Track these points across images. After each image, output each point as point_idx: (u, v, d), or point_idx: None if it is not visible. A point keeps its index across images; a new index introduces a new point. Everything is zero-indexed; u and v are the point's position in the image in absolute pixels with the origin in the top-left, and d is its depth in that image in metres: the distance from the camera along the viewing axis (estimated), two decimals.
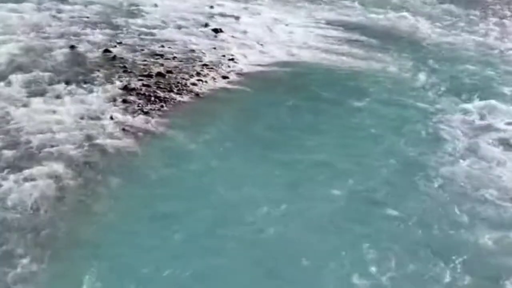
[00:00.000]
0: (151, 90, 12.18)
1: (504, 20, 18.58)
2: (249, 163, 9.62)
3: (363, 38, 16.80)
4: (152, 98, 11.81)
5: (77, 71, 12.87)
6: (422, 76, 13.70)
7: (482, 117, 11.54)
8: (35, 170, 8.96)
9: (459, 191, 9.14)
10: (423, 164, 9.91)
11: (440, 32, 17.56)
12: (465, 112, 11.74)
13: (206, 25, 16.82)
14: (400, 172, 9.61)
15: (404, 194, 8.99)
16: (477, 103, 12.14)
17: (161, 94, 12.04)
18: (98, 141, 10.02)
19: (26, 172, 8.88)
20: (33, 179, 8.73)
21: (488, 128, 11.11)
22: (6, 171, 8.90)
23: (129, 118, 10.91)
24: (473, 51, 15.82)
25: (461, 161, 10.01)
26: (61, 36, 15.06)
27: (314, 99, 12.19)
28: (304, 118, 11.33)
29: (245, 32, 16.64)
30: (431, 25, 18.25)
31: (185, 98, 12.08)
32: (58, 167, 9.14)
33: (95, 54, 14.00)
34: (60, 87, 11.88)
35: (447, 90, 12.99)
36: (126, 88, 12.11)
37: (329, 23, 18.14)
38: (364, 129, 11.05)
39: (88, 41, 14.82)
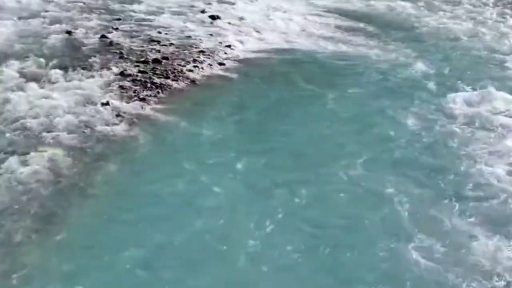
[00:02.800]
0: (147, 76, 12.18)
1: (505, 9, 18.55)
2: (242, 150, 9.59)
3: (361, 25, 16.82)
4: (148, 85, 11.81)
5: (74, 57, 12.88)
6: (420, 64, 13.64)
7: (478, 104, 11.49)
8: (31, 155, 8.96)
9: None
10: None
11: (440, 20, 17.56)
12: (462, 99, 11.68)
13: (203, 11, 16.80)
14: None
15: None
16: (474, 91, 12.09)
17: (157, 80, 12.04)
18: (94, 127, 10.01)
19: (22, 157, 8.88)
20: (28, 164, 8.73)
21: (484, 116, 11.06)
22: (1, 156, 8.90)
23: (125, 104, 10.91)
24: (473, 39, 15.79)
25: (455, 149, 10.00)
26: (58, 21, 15.06)
27: (310, 86, 12.18)
28: (299, 105, 11.30)
29: (242, 19, 16.64)
30: (431, 13, 18.23)
31: (181, 84, 12.08)
32: (54, 152, 9.14)
33: (91, 40, 13.99)
34: (57, 72, 11.87)
35: (445, 77, 13.00)
36: (123, 74, 12.10)
37: (327, 10, 18.16)
38: (356, 116, 11.02)
39: (85, 27, 14.82)
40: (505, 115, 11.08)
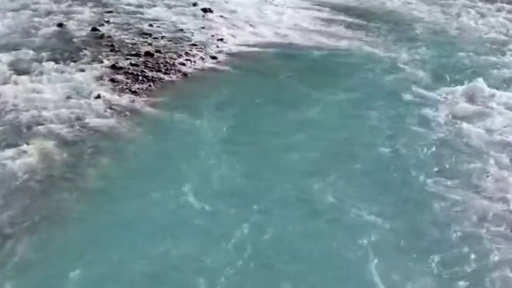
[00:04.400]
0: (139, 69, 12.14)
1: (495, 4, 18.59)
2: (230, 147, 9.54)
3: (351, 19, 16.84)
4: (140, 78, 11.78)
5: (65, 49, 12.84)
6: (409, 58, 13.69)
7: (463, 99, 11.51)
8: (23, 148, 8.92)
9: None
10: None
11: (430, 13, 17.59)
12: (447, 93, 11.70)
13: (195, 4, 16.77)
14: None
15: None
16: (460, 86, 12.09)
17: (149, 73, 12.01)
18: (85, 120, 9.98)
19: (14, 149, 8.85)
20: (20, 157, 8.70)
21: (470, 111, 11.09)
22: None
23: (116, 97, 10.89)
24: (462, 33, 15.83)
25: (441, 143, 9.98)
26: (49, 13, 15.01)
27: (302, 79, 12.17)
28: (289, 98, 11.27)
29: (234, 12, 16.62)
30: (421, 6, 18.25)
31: (173, 77, 12.07)
32: (46, 145, 9.11)
33: (83, 33, 13.95)
34: (48, 65, 11.84)
35: (433, 71, 12.98)
36: (114, 67, 12.07)
37: (319, 4, 18.15)
38: (345, 108, 11.00)
39: (76, 19, 14.77)
40: (493, 111, 11.06)
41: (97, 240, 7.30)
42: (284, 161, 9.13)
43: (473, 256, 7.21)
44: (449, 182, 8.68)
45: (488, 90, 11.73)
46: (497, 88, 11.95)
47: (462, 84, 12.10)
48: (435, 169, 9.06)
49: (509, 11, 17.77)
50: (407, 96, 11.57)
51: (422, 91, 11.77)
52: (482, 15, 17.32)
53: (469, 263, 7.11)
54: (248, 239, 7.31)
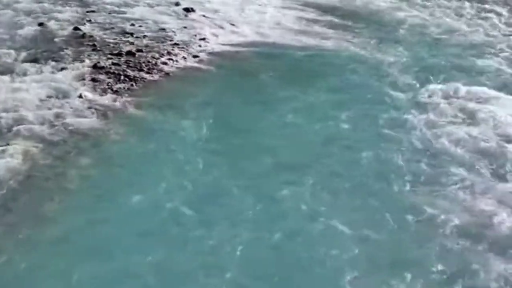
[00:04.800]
0: (121, 69, 12.12)
1: (474, 3, 18.70)
2: (214, 145, 9.63)
3: (335, 19, 16.80)
4: (122, 77, 11.76)
5: (46, 49, 12.77)
6: (391, 57, 13.76)
7: (444, 101, 11.58)
8: (4, 148, 8.91)
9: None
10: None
11: (415, 14, 17.58)
12: (429, 95, 11.74)
13: (177, 4, 16.71)
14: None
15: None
16: (441, 87, 12.16)
17: (131, 73, 11.99)
18: (67, 119, 9.97)
19: None
20: (1, 157, 8.67)
21: (450, 114, 11.16)
22: None
23: (98, 97, 10.87)
24: (445, 34, 15.87)
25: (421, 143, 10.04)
26: (30, 13, 14.90)
27: (283, 80, 12.20)
28: (270, 99, 11.29)
29: (216, 11, 16.59)
30: (406, 7, 18.28)
31: (155, 77, 12.06)
32: (27, 145, 9.09)
33: (64, 32, 13.88)
34: (29, 65, 11.80)
35: (414, 70, 13.05)
36: (96, 67, 12.03)
37: (302, 3, 18.11)
38: (325, 110, 10.93)
39: (58, 19, 14.67)
40: (474, 114, 11.13)
41: (72, 240, 7.33)
42: (262, 165, 9.08)
43: (449, 273, 7.08)
44: (426, 192, 8.60)
45: (469, 91, 11.78)
46: (480, 89, 12.01)
47: (444, 85, 12.13)
48: (412, 177, 8.95)
49: (489, 12, 17.89)
50: (389, 98, 11.56)
51: (404, 93, 11.79)
52: (465, 16, 17.38)
53: (444, 280, 7.01)
54: (220, 245, 7.27)
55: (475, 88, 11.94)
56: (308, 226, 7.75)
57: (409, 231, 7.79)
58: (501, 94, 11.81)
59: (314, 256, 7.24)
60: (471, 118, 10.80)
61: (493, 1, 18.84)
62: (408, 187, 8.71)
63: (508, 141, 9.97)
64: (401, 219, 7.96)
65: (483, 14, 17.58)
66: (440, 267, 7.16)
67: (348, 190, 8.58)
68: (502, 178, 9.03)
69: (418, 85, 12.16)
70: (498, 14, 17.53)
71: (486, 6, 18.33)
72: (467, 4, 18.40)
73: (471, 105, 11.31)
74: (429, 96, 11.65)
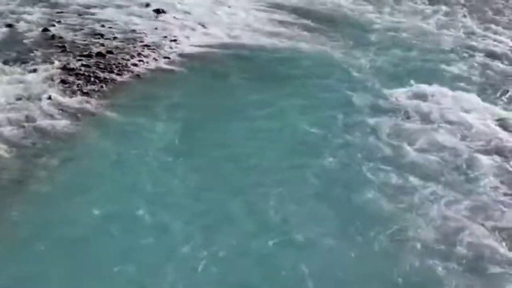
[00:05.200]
0: (91, 70, 12.05)
1: (444, 7, 18.94)
2: (183, 149, 9.61)
3: (305, 21, 16.88)
4: (92, 79, 11.69)
5: (15, 50, 12.67)
6: (362, 60, 13.86)
7: (414, 101, 11.70)
8: None
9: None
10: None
11: (383, 16, 17.74)
12: (400, 97, 11.84)
13: (147, 5, 16.68)
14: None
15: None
16: (413, 87, 12.30)
17: (101, 74, 11.93)
18: (35, 121, 9.90)
19: None
20: None
21: (423, 110, 11.32)
22: None
23: (67, 99, 10.79)
24: (418, 36, 16.01)
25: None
26: None
27: (253, 82, 12.22)
28: (240, 103, 11.26)
29: (187, 13, 16.58)
30: (375, 9, 18.42)
31: (126, 78, 12.01)
32: None
33: (33, 33, 13.77)
34: None
35: (385, 73, 13.18)
36: (65, 68, 11.96)
37: (272, 5, 18.18)
38: (295, 115, 10.85)
39: (26, 20, 14.55)
40: (444, 110, 11.32)
41: (38, 242, 7.27)
42: (229, 172, 8.99)
43: None
44: (393, 203, 8.42)
45: (438, 94, 11.90)
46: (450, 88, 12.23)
47: (414, 88, 12.20)
48: (379, 187, 8.80)
49: (457, 15, 18.15)
50: (359, 103, 11.54)
51: (374, 97, 11.78)
52: (434, 19, 17.59)
53: None
54: (190, 259, 7.17)
55: (445, 91, 12.07)
56: (271, 238, 7.58)
57: (375, 245, 7.60)
58: (471, 96, 11.96)
59: (276, 269, 7.13)
60: (440, 123, 10.82)
61: (462, 4, 19.17)
62: (374, 198, 8.54)
63: (477, 150, 9.93)
64: (367, 232, 7.79)
65: (450, 17, 17.83)
66: (405, 283, 7.05)
67: (314, 200, 8.46)
68: (471, 190, 8.87)
69: (388, 89, 12.16)
70: (466, 17, 17.80)
71: (454, 9, 18.60)
72: (435, 7, 18.65)
73: (440, 109, 11.37)
74: (399, 100, 11.66)
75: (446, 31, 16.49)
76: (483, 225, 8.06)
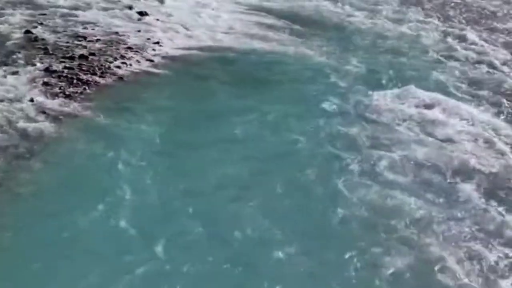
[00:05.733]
0: (74, 72, 12.03)
1: (421, 9, 19.11)
2: (166, 147, 9.69)
3: (288, 24, 16.96)
4: (75, 81, 11.67)
5: None
6: (347, 65, 13.90)
7: (399, 102, 11.84)
8: None
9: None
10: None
11: (364, 20, 17.85)
12: (381, 103, 11.88)
13: (131, 7, 16.65)
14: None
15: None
16: (394, 89, 12.45)
17: (83, 77, 11.91)
18: (18, 124, 9.85)
19: None
20: None
21: (403, 113, 11.41)
22: None
23: (50, 101, 10.76)
24: (399, 40, 16.15)
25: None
26: None
27: (237, 86, 12.27)
28: (221, 107, 11.30)
29: (170, 15, 16.59)
30: (356, 12, 18.53)
31: (109, 81, 12.01)
32: None
33: (15, 35, 13.68)
34: None
35: (369, 78, 13.24)
36: (48, 70, 11.92)
37: (255, 8, 18.24)
38: (274, 121, 10.79)
39: (9, 22, 14.46)
40: (425, 112, 11.42)
41: (18, 245, 7.30)
42: (207, 182, 8.84)
43: None
44: (370, 226, 8.11)
45: (420, 98, 12.00)
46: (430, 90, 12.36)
47: (395, 90, 12.36)
48: (356, 205, 8.49)
49: (433, 18, 18.33)
50: (342, 109, 11.49)
51: (358, 103, 11.75)
52: (413, 22, 17.74)
53: None
54: (155, 270, 7.08)
55: (428, 95, 12.16)
56: (246, 253, 7.49)
57: (352, 271, 7.32)
58: (454, 102, 12.09)
59: (256, 281, 7.05)
60: (420, 133, 10.69)
61: (438, 7, 19.39)
62: (350, 219, 8.25)
63: (456, 172, 9.56)
64: (343, 258, 7.49)
65: (429, 20, 18.02)
66: None
67: (290, 214, 8.29)
68: (452, 213, 8.53)
69: (371, 95, 12.16)
70: (443, 21, 17.99)
71: (436, 14, 18.79)
72: (415, 10, 18.83)
73: (421, 115, 11.43)
74: (380, 108, 11.58)
75: (427, 33, 16.66)
76: (466, 253, 7.70)
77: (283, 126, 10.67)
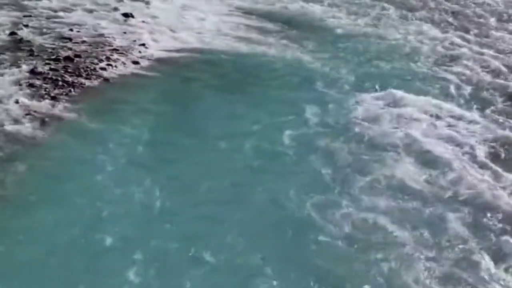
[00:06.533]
0: (59, 74, 12.00)
1: (413, 13, 19.22)
2: (150, 150, 9.70)
3: (274, 26, 17.00)
4: (60, 83, 11.65)
5: None
6: (334, 68, 13.95)
7: (383, 104, 11.92)
8: None
9: None
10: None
11: (350, 22, 17.92)
12: (366, 103, 12.00)
13: (116, 9, 16.63)
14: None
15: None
16: (379, 93, 12.52)
17: (69, 78, 11.89)
18: (3, 126, 9.84)
19: None
20: None
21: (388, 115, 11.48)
22: None
23: (35, 103, 10.74)
24: (382, 41, 16.23)
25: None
26: None
27: (221, 88, 12.31)
28: (209, 107, 11.34)
29: (156, 17, 16.58)
30: (342, 15, 18.59)
31: (94, 83, 11.99)
32: None
33: (0, 37, 13.63)
34: None
35: (352, 79, 13.33)
36: (33, 72, 11.89)
37: (241, 11, 18.27)
38: (259, 128, 10.67)
39: None
40: (409, 115, 11.51)
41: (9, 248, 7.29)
42: (184, 198, 8.60)
43: None
44: (345, 254, 7.73)
45: (403, 101, 12.07)
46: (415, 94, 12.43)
47: (381, 93, 12.43)
48: (335, 231, 8.07)
49: (420, 20, 18.45)
50: (327, 118, 11.27)
51: (337, 113, 11.57)
52: (398, 24, 17.85)
53: None
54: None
55: (410, 98, 12.23)
56: (221, 267, 7.36)
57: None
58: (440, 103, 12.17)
59: None
60: (399, 147, 10.35)
61: (423, 9, 19.53)
62: (326, 246, 7.83)
63: (439, 198, 9.02)
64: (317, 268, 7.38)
65: (414, 21, 18.14)
66: None
67: (265, 236, 7.99)
68: (432, 248, 7.95)
69: (355, 102, 12.12)
70: (427, 22, 18.14)
71: (417, 13, 18.93)
72: (399, 12, 18.95)
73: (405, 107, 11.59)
74: (366, 117, 11.46)
75: (411, 35, 16.76)
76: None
77: (266, 136, 10.42)
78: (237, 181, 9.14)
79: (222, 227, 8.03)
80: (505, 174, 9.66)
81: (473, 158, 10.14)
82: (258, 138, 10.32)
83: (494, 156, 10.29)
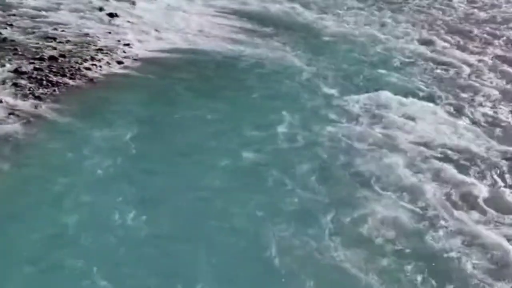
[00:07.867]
0: (43, 74, 12.01)
1: (398, 15, 19.37)
2: (133, 152, 9.69)
3: (258, 27, 17.10)
4: (44, 82, 11.66)
5: None
6: (317, 68, 14.07)
7: (371, 106, 12.03)
8: None
9: None
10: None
11: (335, 24, 18.04)
12: (350, 102, 12.14)
13: (101, 9, 16.65)
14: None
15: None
16: (365, 94, 12.63)
17: (53, 78, 11.90)
18: None
19: None
20: None
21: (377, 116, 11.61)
22: None
23: (19, 102, 10.75)
24: (368, 42, 16.35)
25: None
26: None
27: (207, 86, 12.44)
28: (192, 108, 11.36)
29: (141, 17, 16.64)
30: (327, 16, 18.71)
31: (79, 82, 12.01)
32: None
33: None
34: None
35: (337, 80, 13.42)
36: (17, 72, 11.89)
37: (225, 11, 18.35)
38: (242, 134, 10.53)
39: None
40: (397, 116, 11.64)
41: None
42: (160, 205, 8.47)
43: None
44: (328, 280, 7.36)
45: (390, 104, 12.17)
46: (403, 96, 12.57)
47: (369, 96, 12.48)
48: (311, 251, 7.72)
49: (407, 22, 18.61)
50: (315, 124, 11.10)
51: (333, 113, 11.65)
52: (387, 27, 17.99)
53: None
54: None
55: (399, 100, 12.36)
56: None
57: None
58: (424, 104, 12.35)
59: None
60: (389, 151, 10.32)
61: (412, 10, 19.69)
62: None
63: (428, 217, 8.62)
64: None
65: (403, 24, 18.28)
66: None
67: (243, 257, 7.59)
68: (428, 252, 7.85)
69: (343, 99, 12.24)
70: (415, 25, 18.30)
71: (404, 17, 19.08)
72: (388, 14, 19.12)
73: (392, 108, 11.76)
74: (350, 103, 11.83)
75: (398, 37, 16.90)
76: None
77: (249, 145, 10.15)
78: (212, 197, 8.67)
79: (195, 251, 7.60)
80: None
81: None
82: (240, 148, 9.98)
83: None
